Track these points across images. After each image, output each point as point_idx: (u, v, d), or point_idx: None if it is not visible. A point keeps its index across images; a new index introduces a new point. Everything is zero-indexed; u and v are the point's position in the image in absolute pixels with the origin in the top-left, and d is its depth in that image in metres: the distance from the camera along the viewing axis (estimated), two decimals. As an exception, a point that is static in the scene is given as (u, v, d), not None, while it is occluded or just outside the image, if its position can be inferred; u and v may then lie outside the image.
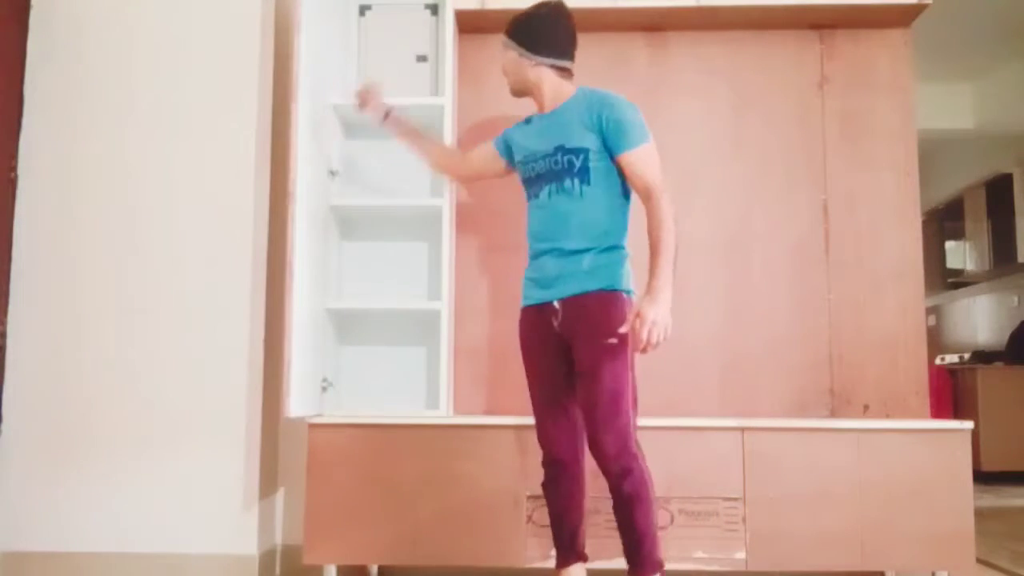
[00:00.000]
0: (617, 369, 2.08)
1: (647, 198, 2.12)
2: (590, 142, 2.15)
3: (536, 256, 2.25)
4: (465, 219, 2.91)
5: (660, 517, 2.22)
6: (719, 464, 2.46)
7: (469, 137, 2.90)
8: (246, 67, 2.78)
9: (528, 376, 2.27)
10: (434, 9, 2.93)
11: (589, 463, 2.19)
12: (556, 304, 2.17)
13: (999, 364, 5.94)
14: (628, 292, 2.17)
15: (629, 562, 2.13)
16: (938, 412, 5.66)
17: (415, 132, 2.60)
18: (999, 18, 4.96)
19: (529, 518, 2.47)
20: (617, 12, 2.85)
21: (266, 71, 2.81)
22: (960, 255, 6.97)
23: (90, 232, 2.75)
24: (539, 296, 2.22)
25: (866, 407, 2.80)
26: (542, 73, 2.25)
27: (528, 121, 2.36)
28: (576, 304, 2.14)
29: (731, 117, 2.92)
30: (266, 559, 2.72)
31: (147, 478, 2.65)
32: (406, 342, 2.89)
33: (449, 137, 2.75)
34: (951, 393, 5.98)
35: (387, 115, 2.58)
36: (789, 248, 2.88)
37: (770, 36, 2.95)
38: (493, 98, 2.96)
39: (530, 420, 2.50)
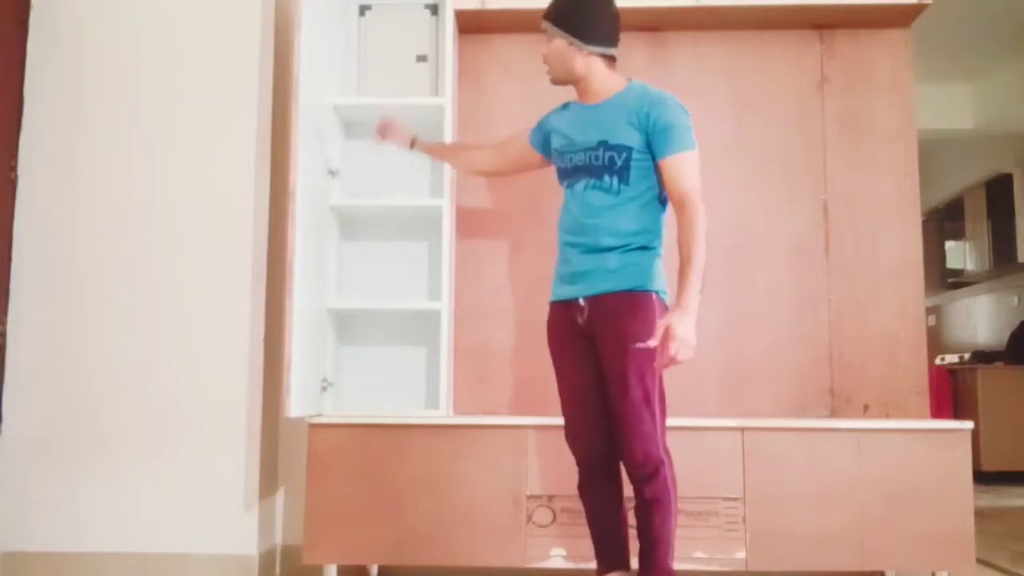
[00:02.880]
0: (645, 372, 2.03)
1: (681, 206, 2.03)
2: (634, 140, 2.08)
3: (564, 249, 2.18)
4: (465, 219, 2.91)
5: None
6: (719, 464, 2.46)
7: (469, 138, 2.90)
8: (246, 67, 2.78)
9: (556, 373, 2.20)
10: (434, 9, 2.93)
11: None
12: (582, 301, 2.11)
13: (999, 364, 5.94)
14: (659, 293, 2.11)
15: (641, 565, 2.11)
16: (938, 412, 5.66)
17: (444, 148, 2.61)
18: (999, 18, 4.96)
19: (529, 518, 2.47)
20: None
21: (266, 71, 2.81)
22: (960, 255, 6.97)
23: (90, 232, 2.75)
24: (565, 292, 2.16)
25: (866, 407, 2.80)
26: (591, 63, 2.13)
27: (566, 107, 2.27)
28: (602, 303, 2.09)
29: (731, 117, 2.92)
30: (266, 559, 2.72)
31: (147, 478, 2.65)
32: (406, 342, 2.89)
33: (449, 138, 2.75)
34: (951, 393, 5.98)
35: (413, 142, 2.56)
36: (789, 248, 2.87)
37: (770, 36, 2.94)
38: (493, 98, 2.96)
39: (528, 420, 2.51)
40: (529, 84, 2.94)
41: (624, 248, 2.09)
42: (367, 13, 2.96)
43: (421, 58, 2.92)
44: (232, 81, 2.78)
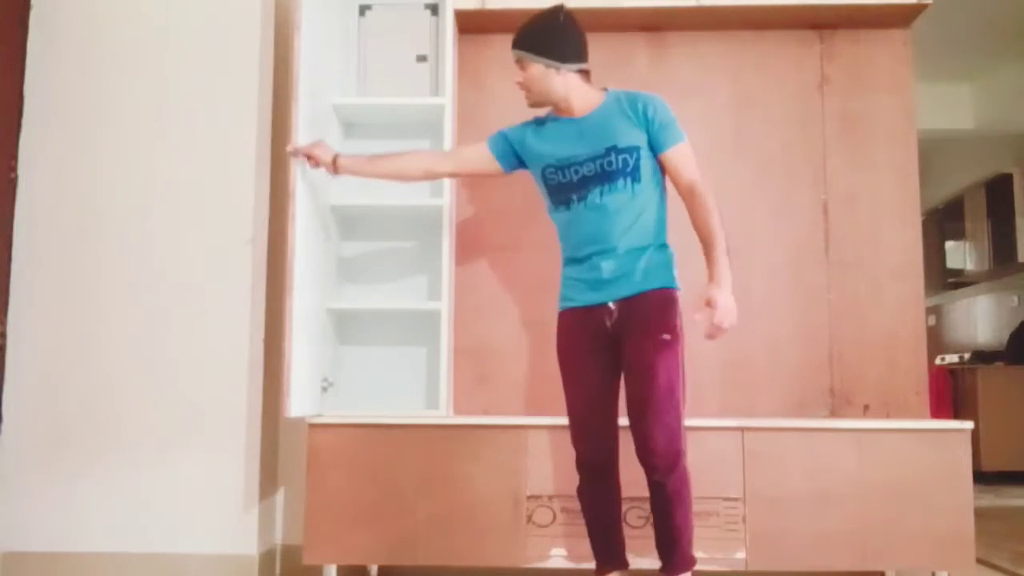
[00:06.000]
0: (671, 365, 2.09)
1: (692, 194, 2.14)
2: (640, 140, 2.17)
3: (585, 259, 2.19)
4: (465, 219, 2.91)
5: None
6: (719, 464, 2.46)
7: (469, 137, 2.90)
8: (246, 67, 2.78)
9: (569, 378, 2.22)
10: (434, 9, 2.93)
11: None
12: (612, 305, 2.15)
13: (999, 364, 5.94)
14: (678, 289, 2.21)
15: (663, 559, 2.14)
16: (938, 412, 5.66)
17: (375, 159, 2.43)
18: (999, 18, 4.96)
19: (529, 518, 2.47)
20: (617, 12, 2.84)
21: (266, 71, 2.81)
22: (960, 255, 6.97)
23: (90, 232, 2.75)
24: (590, 298, 2.18)
25: (866, 407, 2.80)
26: (569, 81, 2.21)
27: (542, 124, 2.30)
28: (633, 304, 2.14)
29: (731, 117, 2.92)
30: (266, 559, 2.72)
31: (147, 478, 2.66)
32: (406, 342, 2.89)
33: (449, 137, 2.75)
34: (951, 393, 5.98)
35: (335, 161, 2.40)
36: (789, 248, 2.87)
37: (770, 36, 2.94)
38: (493, 98, 2.96)
39: (528, 420, 2.51)
40: (529, 84, 2.94)
41: (650, 247, 2.17)
42: (367, 13, 2.96)
43: (421, 58, 2.92)
44: (232, 81, 2.78)
